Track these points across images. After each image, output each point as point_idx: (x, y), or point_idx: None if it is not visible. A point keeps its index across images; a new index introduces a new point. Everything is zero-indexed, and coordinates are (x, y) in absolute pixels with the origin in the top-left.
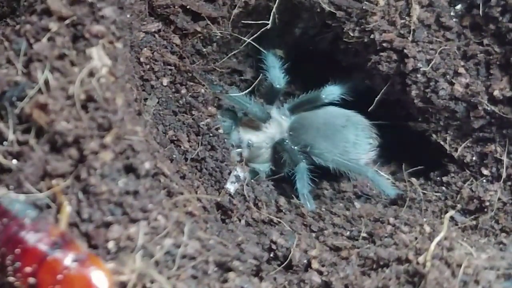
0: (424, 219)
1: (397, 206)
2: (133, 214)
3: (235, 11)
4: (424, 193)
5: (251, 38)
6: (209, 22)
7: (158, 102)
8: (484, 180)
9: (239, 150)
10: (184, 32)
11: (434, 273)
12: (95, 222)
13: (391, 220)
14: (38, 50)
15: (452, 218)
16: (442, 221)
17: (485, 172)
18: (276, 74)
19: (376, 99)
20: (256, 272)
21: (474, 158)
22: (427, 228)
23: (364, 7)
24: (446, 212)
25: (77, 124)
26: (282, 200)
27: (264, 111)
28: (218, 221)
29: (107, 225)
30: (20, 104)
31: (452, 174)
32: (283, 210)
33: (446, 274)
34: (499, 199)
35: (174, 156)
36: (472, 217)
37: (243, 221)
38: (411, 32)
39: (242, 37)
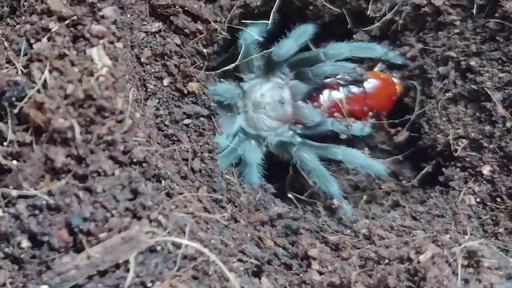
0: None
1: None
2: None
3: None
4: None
5: None
6: (209, 23)
7: (158, 102)
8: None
9: None
10: (184, 32)
11: (434, 271)
12: None
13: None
14: (38, 50)
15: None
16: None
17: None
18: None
19: None
20: (257, 272)
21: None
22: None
23: None
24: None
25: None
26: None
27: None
28: (219, 221)
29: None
30: (19, 104)
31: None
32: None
33: (447, 272)
34: (499, 198)
35: (174, 156)
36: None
37: (243, 221)
38: None
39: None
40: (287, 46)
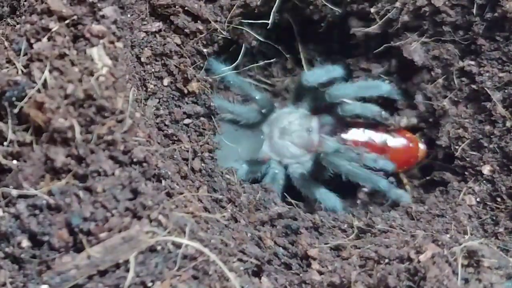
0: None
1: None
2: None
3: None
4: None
5: None
6: (209, 23)
7: (158, 102)
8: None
9: None
10: (185, 32)
11: (434, 271)
12: None
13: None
14: (38, 49)
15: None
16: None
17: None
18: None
19: None
20: (257, 272)
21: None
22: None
23: None
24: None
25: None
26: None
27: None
28: (219, 221)
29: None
30: (19, 104)
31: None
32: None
33: (447, 272)
34: (499, 197)
35: (174, 156)
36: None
37: (243, 221)
38: None
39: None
40: (318, 74)
